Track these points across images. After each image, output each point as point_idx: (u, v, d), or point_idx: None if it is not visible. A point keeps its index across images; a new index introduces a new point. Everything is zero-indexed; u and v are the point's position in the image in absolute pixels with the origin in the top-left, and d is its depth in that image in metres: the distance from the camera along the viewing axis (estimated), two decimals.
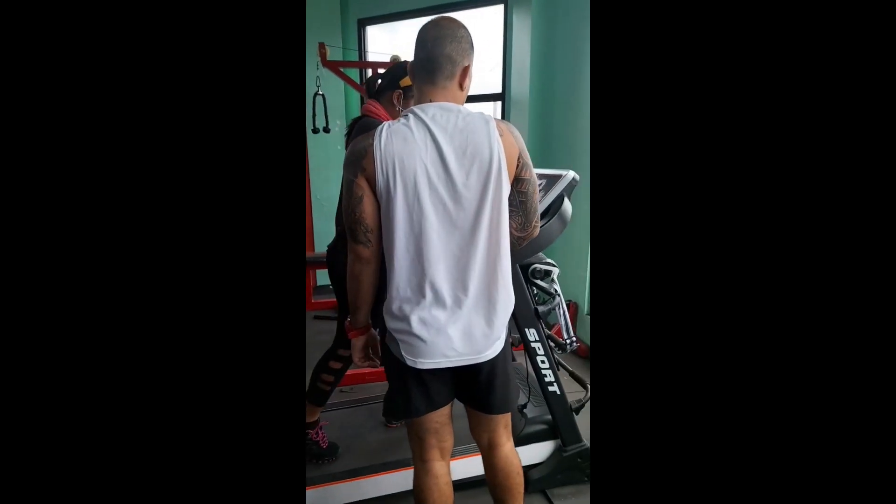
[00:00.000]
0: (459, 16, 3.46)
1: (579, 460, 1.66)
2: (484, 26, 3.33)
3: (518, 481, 1.17)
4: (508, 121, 3.27)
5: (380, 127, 0.95)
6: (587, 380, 1.83)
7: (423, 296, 0.97)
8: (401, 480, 1.56)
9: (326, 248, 1.59)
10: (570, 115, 2.70)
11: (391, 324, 1.01)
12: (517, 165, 0.99)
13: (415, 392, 1.04)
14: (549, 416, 1.67)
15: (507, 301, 1.02)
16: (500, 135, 0.96)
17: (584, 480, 1.67)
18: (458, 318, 0.98)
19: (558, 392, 1.61)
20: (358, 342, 1.12)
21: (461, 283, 0.98)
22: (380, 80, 1.53)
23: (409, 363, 1.00)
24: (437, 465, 1.12)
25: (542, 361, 1.57)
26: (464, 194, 0.94)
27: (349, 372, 2.39)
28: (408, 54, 3.02)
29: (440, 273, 0.97)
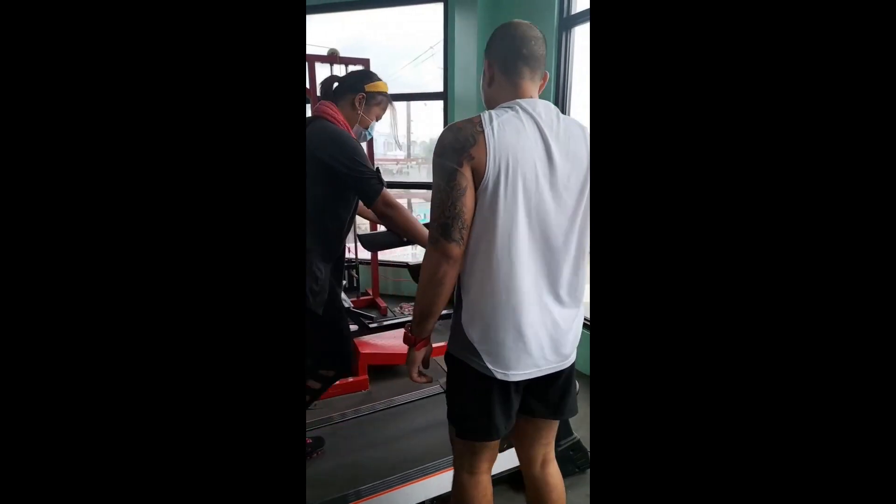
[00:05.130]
0: (398, 12, 3.40)
1: (571, 453, 1.71)
2: (422, 23, 3.29)
3: (564, 499, 1.15)
4: (454, 120, 3.27)
5: (484, 115, 0.87)
6: None
7: (519, 301, 0.90)
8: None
9: None
10: None
11: (474, 334, 0.92)
12: None
13: (498, 409, 0.96)
14: None
15: (584, 305, 1.01)
16: None
17: (575, 472, 1.72)
18: (548, 326, 0.94)
19: None
20: (420, 354, 1.01)
21: (553, 288, 0.94)
22: (336, 83, 1.46)
23: (500, 376, 0.92)
24: (486, 478, 1.08)
25: None
26: (564, 196, 0.91)
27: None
28: (344, 48, 2.89)
29: (536, 277, 0.91)
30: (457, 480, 1.09)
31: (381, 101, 1.46)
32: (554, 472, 1.14)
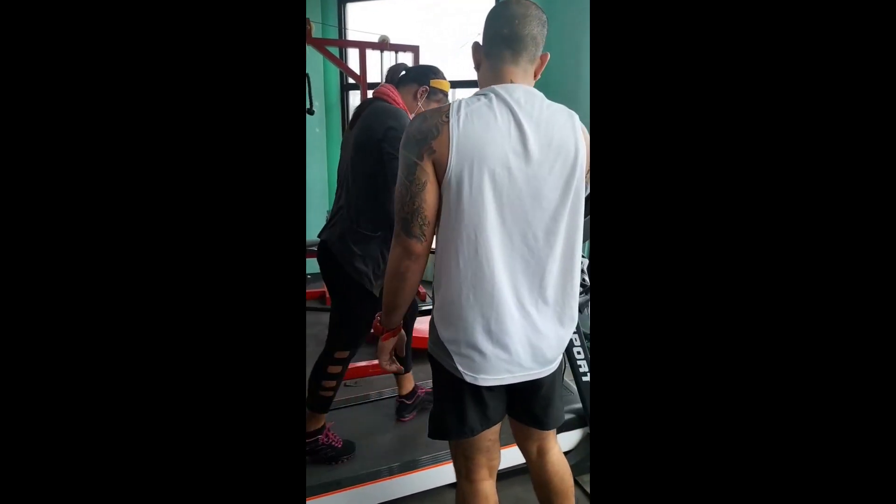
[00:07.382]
0: (448, 2, 3.38)
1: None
2: (472, 17, 3.27)
3: (571, 482, 1.12)
4: None
5: (454, 104, 0.83)
6: None
7: (489, 303, 0.85)
8: (417, 482, 1.52)
9: (318, 237, 1.48)
10: (572, 108, 2.73)
11: (445, 333, 0.89)
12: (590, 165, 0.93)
13: (470, 410, 0.93)
14: (577, 405, 1.70)
15: (574, 312, 0.93)
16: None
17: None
18: (526, 330, 0.88)
19: None
20: (388, 344, 1.01)
21: (532, 291, 0.88)
22: (404, 72, 1.53)
23: (469, 379, 0.89)
24: (486, 485, 1.02)
25: (578, 352, 1.59)
26: (544, 191, 0.84)
27: (351, 365, 2.33)
28: (394, 35, 2.92)
29: (511, 278, 0.86)
30: (457, 489, 1.05)
31: (441, 99, 1.53)
32: (554, 459, 1.09)
